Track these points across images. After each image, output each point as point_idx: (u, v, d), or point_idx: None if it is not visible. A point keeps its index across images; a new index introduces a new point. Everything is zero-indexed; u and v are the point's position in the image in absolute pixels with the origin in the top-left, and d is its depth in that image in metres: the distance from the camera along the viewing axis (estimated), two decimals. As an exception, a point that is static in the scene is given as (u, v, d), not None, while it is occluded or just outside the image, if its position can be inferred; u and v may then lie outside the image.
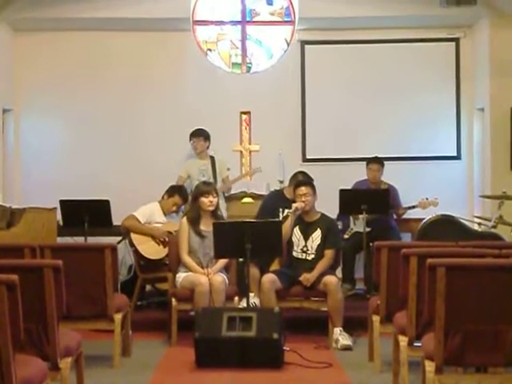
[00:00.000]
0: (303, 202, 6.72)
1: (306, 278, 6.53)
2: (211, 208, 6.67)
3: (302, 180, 7.13)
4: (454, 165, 9.49)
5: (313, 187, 6.84)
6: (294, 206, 6.74)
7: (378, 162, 8.29)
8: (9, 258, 4.76)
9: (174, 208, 7.75)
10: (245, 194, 8.75)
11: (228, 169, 8.76)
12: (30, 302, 3.94)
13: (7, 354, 3.29)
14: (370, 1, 8.96)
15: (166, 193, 7.80)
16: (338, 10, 9.00)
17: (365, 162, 8.43)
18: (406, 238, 8.49)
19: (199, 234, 6.64)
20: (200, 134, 8.52)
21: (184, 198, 7.77)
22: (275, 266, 7.03)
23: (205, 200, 6.65)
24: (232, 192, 8.78)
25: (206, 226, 6.62)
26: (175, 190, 7.81)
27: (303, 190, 6.78)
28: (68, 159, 9.39)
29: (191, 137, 8.56)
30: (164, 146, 9.34)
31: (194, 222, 6.68)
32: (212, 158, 8.55)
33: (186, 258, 6.60)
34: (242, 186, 8.88)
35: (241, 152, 9.45)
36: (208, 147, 8.56)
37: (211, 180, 8.31)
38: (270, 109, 9.37)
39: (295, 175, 7.54)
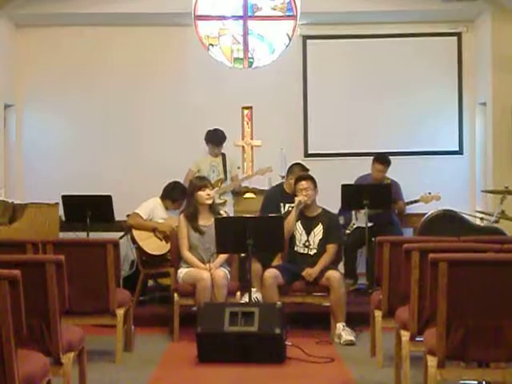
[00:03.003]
0: (305, 195, 6.73)
1: (309, 272, 6.54)
2: (209, 201, 6.66)
3: (302, 174, 7.12)
4: (456, 160, 9.49)
5: (313, 181, 6.84)
6: (297, 199, 6.74)
7: (384, 163, 8.18)
8: (11, 254, 4.78)
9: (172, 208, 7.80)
10: (247, 190, 8.75)
11: (238, 167, 8.80)
12: (33, 297, 3.95)
13: (9, 349, 3.30)
14: (371, -5, 8.97)
15: (161, 194, 7.81)
16: (340, 4, 8.98)
17: (366, 157, 8.40)
18: (408, 233, 8.49)
19: (198, 229, 6.64)
20: (221, 143, 8.50)
21: (173, 201, 7.76)
22: (277, 260, 7.04)
23: (202, 193, 6.64)
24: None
25: (205, 221, 6.63)
26: (166, 195, 7.77)
27: (304, 184, 6.78)
28: (70, 154, 9.40)
29: (212, 144, 8.47)
30: (166, 142, 9.36)
31: (192, 218, 6.67)
32: (223, 155, 8.56)
33: (187, 254, 6.61)
34: (245, 182, 8.87)
35: (243, 147, 9.45)
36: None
37: (221, 176, 8.35)
38: (272, 104, 9.36)
39: (291, 168, 7.55)
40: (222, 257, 6.59)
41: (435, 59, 9.45)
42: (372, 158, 8.28)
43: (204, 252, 6.61)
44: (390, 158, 8.30)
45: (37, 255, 5.30)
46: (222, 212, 6.95)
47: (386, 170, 8.21)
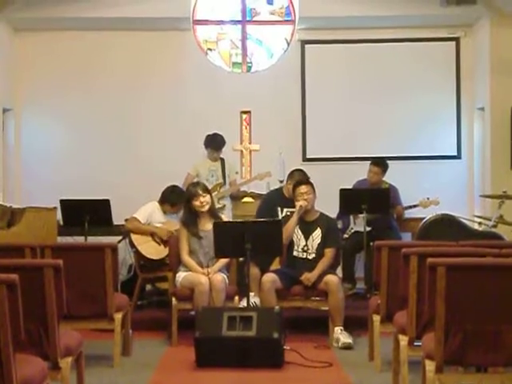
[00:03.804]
0: (305, 200, 6.73)
1: (307, 277, 6.53)
2: (204, 209, 6.65)
3: (301, 179, 7.13)
4: (454, 164, 9.50)
5: (312, 186, 6.85)
6: (298, 204, 6.73)
7: (379, 165, 8.21)
8: (9, 258, 4.76)
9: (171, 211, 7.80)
10: (245, 194, 8.75)
11: (236, 172, 8.81)
12: (31, 301, 3.94)
13: (7, 353, 3.29)
14: (370, 0, 8.96)
15: (160, 198, 7.81)
16: (338, 9, 9.00)
17: (365, 162, 8.41)
18: (407, 237, 8.49)
19: (197, 235, 6.63)
20: (220, 147, 8.49)
21: (173, 204, 7.75)
22: (275, 265, 7.04)
23: (196, 203, 6.64)
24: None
25: (205, 226, 6.62)
26: (165, 199, 7.76)
27: (304, 188, 6.78)
28: (68, 159, 9.39)
29: (211, 148, 8.47)
30: (164, 146, 9.36)
31: (190, 225, 6.66)
32: (222, 159, 8.56)
33: (186, 258, 6.60)
34: (243, 186, 8.87)
35: (241, 151, 9.45)
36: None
37: (220, 181, 8.35)
38: (271, 108, 9.37)
39: (292, 173, 7.56)
40: (222, 261, 6.59)
41: (433, 64, 9.46)
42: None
43: (204, 256, 6.61)
44: (389, 162, 8.32)
45: (35, 259, 5.30)
46: (223, 216, 6.95)
47: (382, 173, 8.22)
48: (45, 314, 4.11)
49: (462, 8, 8.69)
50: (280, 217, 7.31)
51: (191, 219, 6.68)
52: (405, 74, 9.49)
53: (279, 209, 7.43)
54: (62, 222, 7.77)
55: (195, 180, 8.23)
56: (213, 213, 6.75)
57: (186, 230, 6.65)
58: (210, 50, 9.63)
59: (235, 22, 9.61)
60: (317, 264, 6.63)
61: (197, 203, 6.64)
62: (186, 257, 6.61)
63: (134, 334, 6.26)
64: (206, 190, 6.76)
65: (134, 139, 9.43)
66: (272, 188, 8.24)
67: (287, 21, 9.62)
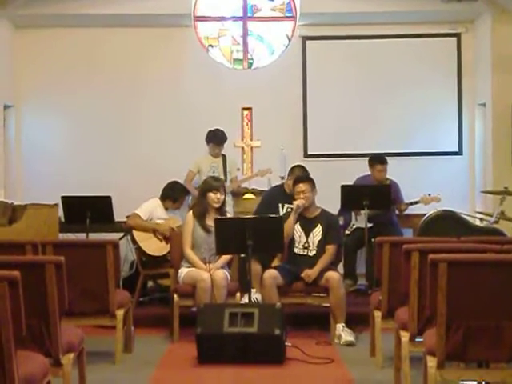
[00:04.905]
0: (302, 199, 6.72)
1: (308, 274, 6.53)
2: (217, 205, 6.67)
3: (299, 177, 7.11)
4: (455, 160, 9.49)
5: (311, 182, 6.83)
6: (295, 203, 6.73)
7: (384, 162, 8.22)
8: (10, 255, 4.77)
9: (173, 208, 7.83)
10: (246, 190, 8.75)
11: (238, 169, 8.81)
12: (32, 298, 3.94)
13: (9, 350, 3.29)
14: (371, -4, 8.98)
15: (161, 195, 7.83)
16: (339, 5, 8.99)
17: (366, 158, 8.40)
18: (408, 233, 8.49)
19: (205, 228, 6.63)
20: (222, 142, 8.49)
21: (174, 200, 7.80)
22: (276, 261, 7.03)
23: (212, 196, 6.65)
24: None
25: (212, 221, 6.62)
26: (166, 195, 7.81)
27: (301, 186, 6.77)
28: (69, 155, 9.39)
29: (213, 144, 8.48)
30: (165, 143, 9.35)
31: (201, 217, 6.67)
32: (224, 156, 8.56)
33: (189, 252, 6.60)
34: (244, 183, 8.86)
35: (242, 148, 9.44)
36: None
37: (221, 177, 8.33)
38: (272, 105, 9.36)
39: (292, 169, 7.56)
40: (225, 258, 6.59)
41: (435, 60, 9.45)
42: (368, 159, 8.32)
43: (207, 252, 6.60)
44: (390, 158, 8.36)
45: (36, 256, 5.28)
46: (228, 215, 6.94)
47: (387, 169, 8.24)
48: (46, 311, 4.11)
49: (463, 4, 8.69)
50: (281, 213, 7.31)
51: (202, 211, 6.68)
52: (406, 70, 9.47)
53: (280, 205, 7.43)
54: (63, 219, 7.77)
55: (197, 176, 8.28)
56: (222, 211, 6.75)
57: (195, 221, 6.65)
58: (211, 46, 9.62)
59: (236, 19, 9.60)
60: (318, 261, 6.62)
61: (213, 197, 6.64)
62: (188, 250, 6.61)
63: (136, 330, 6.26)
64: (225, 191, 6.79)
65: (135, 136, 9.42)
66: (273, 184, 8.23)
67: (288, 17, 9.61)
